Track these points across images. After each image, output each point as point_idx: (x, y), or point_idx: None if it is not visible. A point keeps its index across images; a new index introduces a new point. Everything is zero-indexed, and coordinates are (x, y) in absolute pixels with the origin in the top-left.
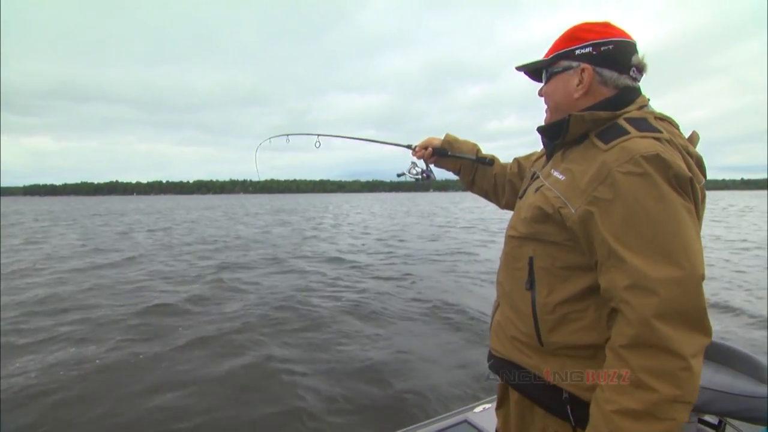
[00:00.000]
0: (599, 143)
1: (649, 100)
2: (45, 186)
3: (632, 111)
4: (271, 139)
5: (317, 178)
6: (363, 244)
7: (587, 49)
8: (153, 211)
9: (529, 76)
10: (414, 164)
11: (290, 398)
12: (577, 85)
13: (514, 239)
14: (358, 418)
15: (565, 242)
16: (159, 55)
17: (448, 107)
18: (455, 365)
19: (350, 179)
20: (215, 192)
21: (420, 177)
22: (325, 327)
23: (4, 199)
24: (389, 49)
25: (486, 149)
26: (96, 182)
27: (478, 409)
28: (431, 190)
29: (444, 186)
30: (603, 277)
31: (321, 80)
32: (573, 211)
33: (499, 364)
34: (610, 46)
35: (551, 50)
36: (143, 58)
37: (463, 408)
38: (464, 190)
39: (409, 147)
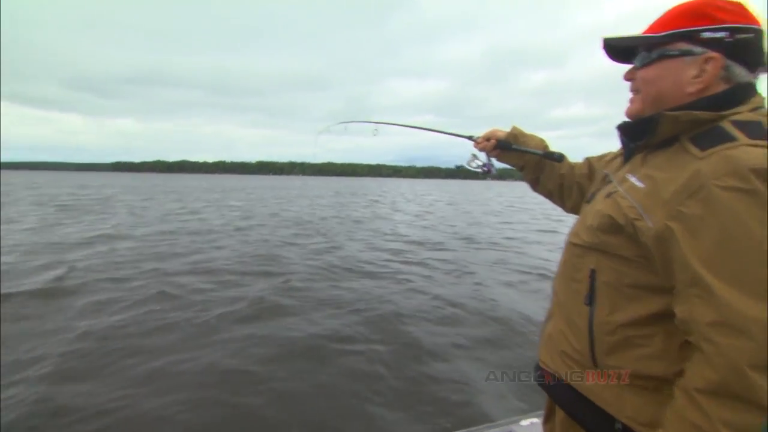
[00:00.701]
0: (693, 149)
1: (765, 99)
2: (127, 163)
3: (743, 112)
4: (330, 127)
5: (374, 162)
6: (413, 233)
7: (720, 34)
8: (242, 189)
9: (611, 55)
10: (474, 156)
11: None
12: (695, 78)
13: (576, 247)
14: (398, 418)
15: (635, 258)
16: (229, 43)
17: (510, 93)
18: (503, 371)
19: (406, 164)
20: (275, 173)
21: (480, 170)
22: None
23: (95, 174)
24: (450, 34)
25: (549, 138)
26: (168, 161)
27: (524, 422)
28: (488, 178)
29: (502, 175)
30: (681, 305)
31: (381, 66)
32: (650, 224)
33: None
34: (750, 35)
35: (663, 25)
36: (215, 46)
37: (509, 420)
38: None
39: (470, 138)
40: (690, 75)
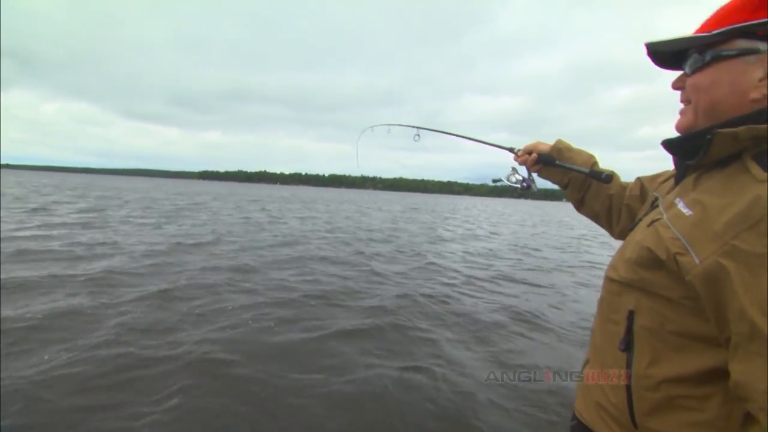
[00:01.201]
0: (756, 169)
1: None
2: (212, 172)
3: None
4: (374, 128)
5: (445, 179)
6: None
7: None
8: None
9: (657, 62)
10: (514, 170)
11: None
12: (761, 80)
13: (613, 283)
14: None
15: (680, 300)
16: (308, 62)
17: (591, 111)
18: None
19: (478, 182)
20: (347, 186)
21: (519, 185)
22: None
23: (183, 181)
24: (528, 49)
25: (636, 159)
26: (249, 171)
27: None
28: (564, 200)
29: (549, 194)
30: (737, 364)
31: (455, 82)
32: (697, 261)
33: (581, 431)
34: None
35: (717, 21)
36: (296, 65)
37: None
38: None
39: (511, 150)
40: (754, 78)
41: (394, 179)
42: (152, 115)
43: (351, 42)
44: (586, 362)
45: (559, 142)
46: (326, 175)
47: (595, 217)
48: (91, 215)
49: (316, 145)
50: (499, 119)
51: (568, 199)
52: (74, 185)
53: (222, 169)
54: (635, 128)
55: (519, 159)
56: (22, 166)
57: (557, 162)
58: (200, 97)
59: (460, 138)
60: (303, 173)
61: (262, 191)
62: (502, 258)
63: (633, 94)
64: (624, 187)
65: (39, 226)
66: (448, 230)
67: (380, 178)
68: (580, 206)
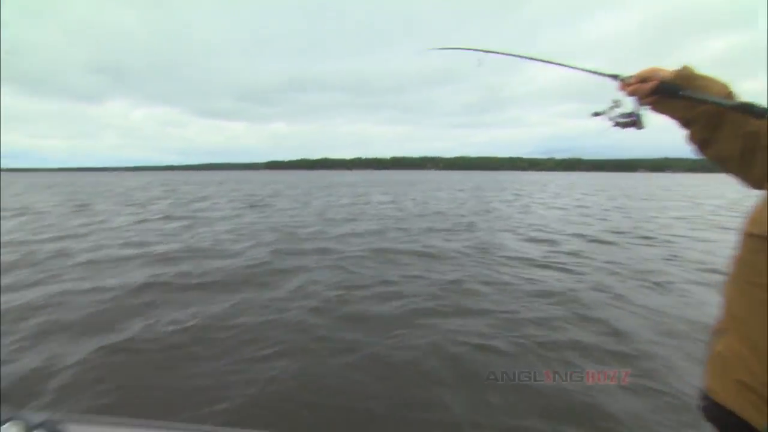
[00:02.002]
0: None
1: None
2: (278, 162)
3: None
4: (431, 50)
5: (507, 156)
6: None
7: None
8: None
9: None
10: (617, 103)
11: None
12: None
13: (756, 240)
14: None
15: None
16: (365, 47)
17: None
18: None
19: (544, 156)
20: (407, 168)
21: (622, 122)
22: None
23: (253, 172)
24: (598, 8)
25: None
26: (312, 158)
27: None
28: (639, 169)
29: (660, 165)
30: None
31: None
32: None
33: (716, 412)
34: None
35: None
36: (353, 51)
37: None
38: (687, 170)
39: (615, 77)
40: None
41: (456, 158)
42: (222, 111)
43: (407, 22)
44: (720, 333)
45: (685, 68)
46: (387, 158)
47: (723, 161)
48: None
49: (375, 128)
50: (568, 88)
51: (690, 138)
52: (187, 181)
53: (286, 159)
54: (735, 84)
55: (628, 89)
56: (119, 168)
57: (683, 92)
58: (265, 91)
59: (545, 64)
60: (364, 158)
61: (330, 178)
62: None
63: (728, 45)
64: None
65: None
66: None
67: (441, 158)
68: (705, 146)
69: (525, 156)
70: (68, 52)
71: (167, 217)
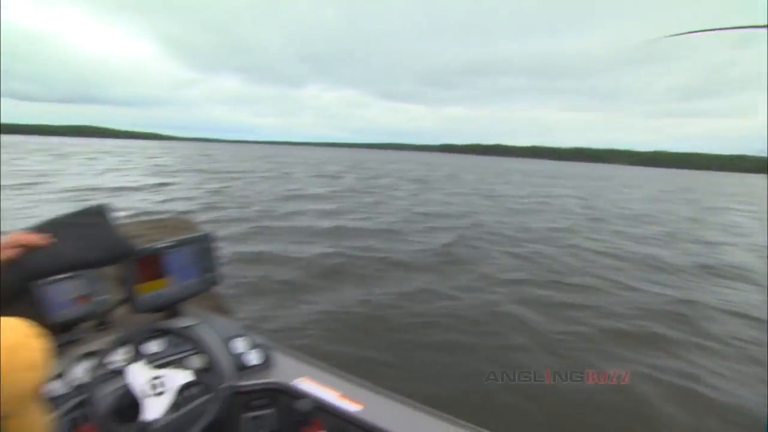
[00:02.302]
0: None
1: None
2: (451, 145)
3: None
4: (667, 38)
5: (727, 153)
6: None
7: None
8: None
9: None
10: None
11: None
12: None
13: None
14: None
15: None
16: (555, 28)
17: None
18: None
19: None
20: (588, 160)
21: None
22: None
23: (424, 154)
24: None
25: None
26: (485, 144)
27: None
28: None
29: None
30: None
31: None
32: None
33: None
34: None
35: None
36: (539, 30)
37: None
38: None
39: None
40: None
41: (652, 152)
42: (403, 94)
43: None
44: None
45: None
46: (567, 147)
47: None
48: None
49: (559, 115)
50: None
51: None
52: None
53: (459, 142)
54: None
55: None
56: (313, 144)
57: None
58: (446, 74)
59: None
60: (539, 146)
61: (503, 165)
62: None
63: None
64: None
65: None
66: None
67: (632, 151)
68: None
69: (754, 154)
70: (283, 47)
71: (354, 191)
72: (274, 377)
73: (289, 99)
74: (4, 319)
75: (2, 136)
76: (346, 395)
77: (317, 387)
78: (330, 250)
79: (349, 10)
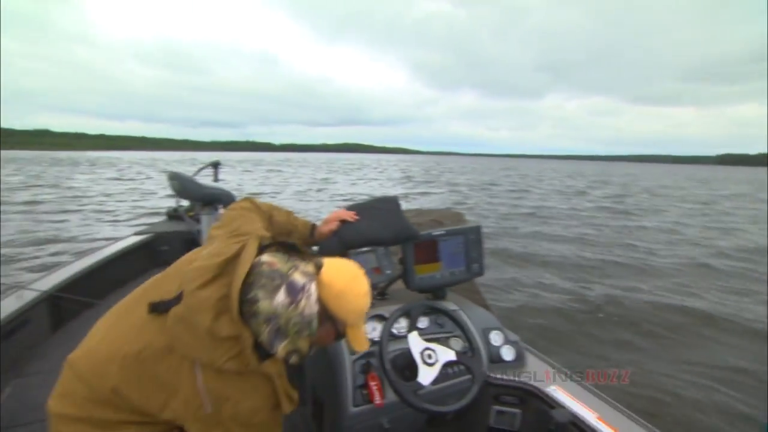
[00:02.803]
0: None
1: None
2: (736, 155)
3: None
4: None
5: None
6: None
7: None
8: None
9: None
10: None
11: None
12: None
13: None
14: None
15: None
16: None
17: None
18: None
19: None
20: None
21: None
22: None
23: (694, 167)
24: None
25: None
26: None
27: None
28: None
29: None
30: None
31: None
32: None
33: None
34: None
35: None
36: None
37: None
38: None
39: None
40: None
41: None
42: (662, 96)
43: None
44: None
45: None
46: None
47: None
48: None
49: None
50: None
51: None
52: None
53: (753, 151)
54: None
55: None
56: (551, 156)
57: None
58: (723, 65)
59: None
60: None
61: None
62: None
63: None
64: None
65: None
66: None
67: None
68: None
69: None
70: (519, 58)
71: None
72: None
73: (526, 111)
74: (343, 260)
75: (298, 154)
76: (602, 418)
77: (573, 401)
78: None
79: (595, 9)
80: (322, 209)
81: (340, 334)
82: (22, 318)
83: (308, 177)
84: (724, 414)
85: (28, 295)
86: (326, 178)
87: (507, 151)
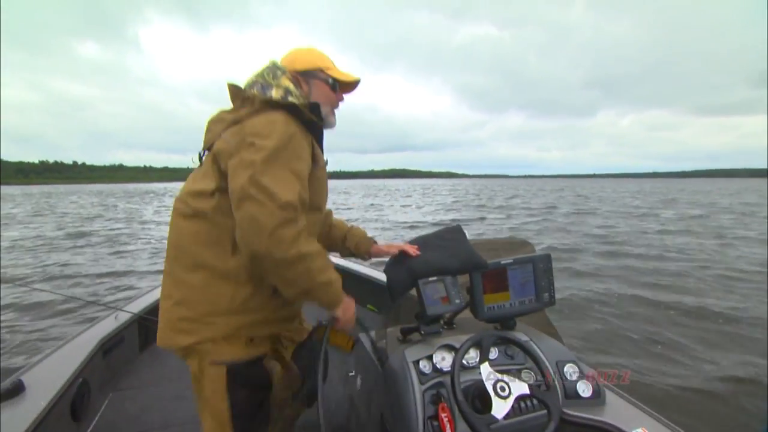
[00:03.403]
0: None
1: None
2: None
3: None
4: None
5: None
6: None
7: None
8: None
9: None
10: None
11: None
12: None
13: None
14: None
15: None
16: None
17: None
18: None
19: None
20: None
21: None
22: None
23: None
24: None
25: None
26: None
27: None
28: None
29: None
30: None
31: None
32: None
33: None
34: None
35: None
36: None
37: None
38: None
39: None
40: None
41: None
42: (729, 105)
43: None
44: None
45: None
46: None
47: None
48: None
49: None
50: None
51: None
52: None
53: None
54: None
55: None
56: (606, 175)
57: None
58: None
59: None
60: None
61: None
62: None
63: None
64: None
65: None
66: None
67: None
68: None
69: None
70: (567, 76)
71: None
72: (606, 416)
73: (577, 129)
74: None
75: (347, 181)
76: None
77: None
78: None
79: (646, 20)
80: (376, 237)
81: (330, 85)
82: (118, 337)
83: (356, 202)
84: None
85: (122, 317)
86: (374, 204)
87: (558, 171)
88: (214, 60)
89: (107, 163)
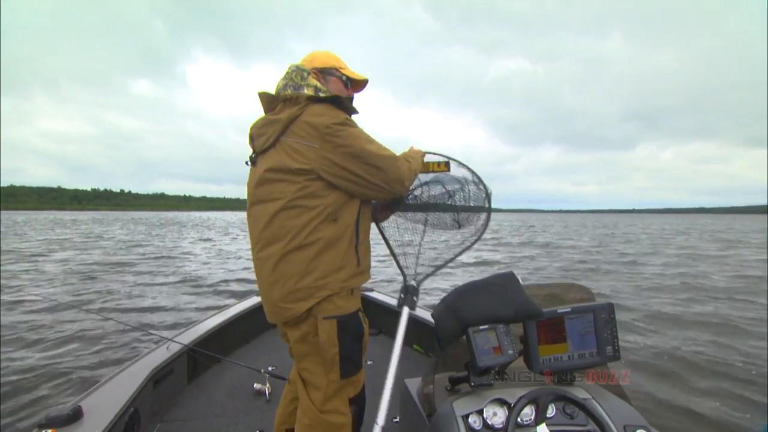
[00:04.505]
0: None
1: None
2: None
3: None
4: None
5: None
6: None
7: None
8: None
9: None
10: None
11: None
12: None
13: None
14: None
15: None
16: None
17: None
18: None
19: None
20: None
21: None
22: None
23: None
24: None
25: None
26: None
27: None
28: None
29: None
30: None
31: None
32: None
33: None
34: None
35: None
36: None
37: None
38: None
39: None
40: None
41: None
42: None
43: None
44: None
45: None
46: None
47: None
48: None
49: None
50: None
51: None
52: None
53: None
54: None
55: None
56: (647, 210)
57: None
58: None
59: None
60: None
61: None
62: None
63: None
64: None
65: None
66: None
67: None
68: None
69: None
70: (604, 108)
71: None
72: None
73: (614, 163)
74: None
75: None
76: None
77: None
78: None
79: (686, 51)
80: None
81: (344, 82)
82: (168, 368)
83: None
84: None
85: (173, 347)
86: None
87: (595, 206)
88: (252, 93)
89: (150, 192)
